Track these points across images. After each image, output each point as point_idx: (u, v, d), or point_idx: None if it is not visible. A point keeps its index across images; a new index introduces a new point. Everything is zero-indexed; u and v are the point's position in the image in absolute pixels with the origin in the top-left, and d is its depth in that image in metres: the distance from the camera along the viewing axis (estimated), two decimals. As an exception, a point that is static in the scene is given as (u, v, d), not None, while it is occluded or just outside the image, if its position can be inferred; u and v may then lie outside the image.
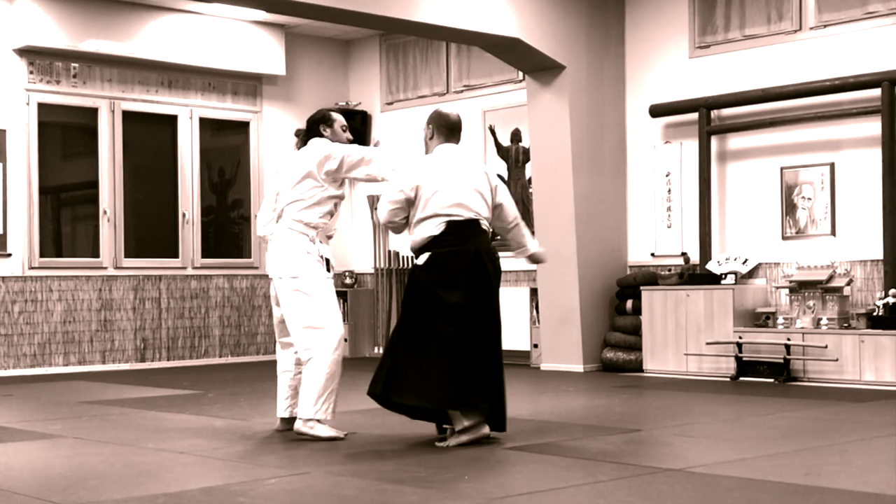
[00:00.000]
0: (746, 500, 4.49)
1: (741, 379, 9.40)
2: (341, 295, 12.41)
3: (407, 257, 12.52)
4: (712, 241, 10.20)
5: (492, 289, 6.03)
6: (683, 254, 10.32)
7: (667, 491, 4.66)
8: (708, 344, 9.63)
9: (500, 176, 11.76)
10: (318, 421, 6.10)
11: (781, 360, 9.18)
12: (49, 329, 11.19)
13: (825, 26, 9.63)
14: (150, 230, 12.07)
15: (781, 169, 9.87)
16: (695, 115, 10.29)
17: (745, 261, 9.85)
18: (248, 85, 12.67)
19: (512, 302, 11.11)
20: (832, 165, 9.57)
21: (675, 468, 5.17)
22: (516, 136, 11.69)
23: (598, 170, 10.71)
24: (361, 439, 6.18)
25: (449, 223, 5.94)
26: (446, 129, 6.16)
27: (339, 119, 6.55)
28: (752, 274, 9.96)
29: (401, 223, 6.06)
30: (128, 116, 11.79)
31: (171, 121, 12.14)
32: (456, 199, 5.94)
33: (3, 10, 10.99)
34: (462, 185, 5.99)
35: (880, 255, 9.20)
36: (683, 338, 9.89)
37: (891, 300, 8.82)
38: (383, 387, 5.90)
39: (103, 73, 11.62)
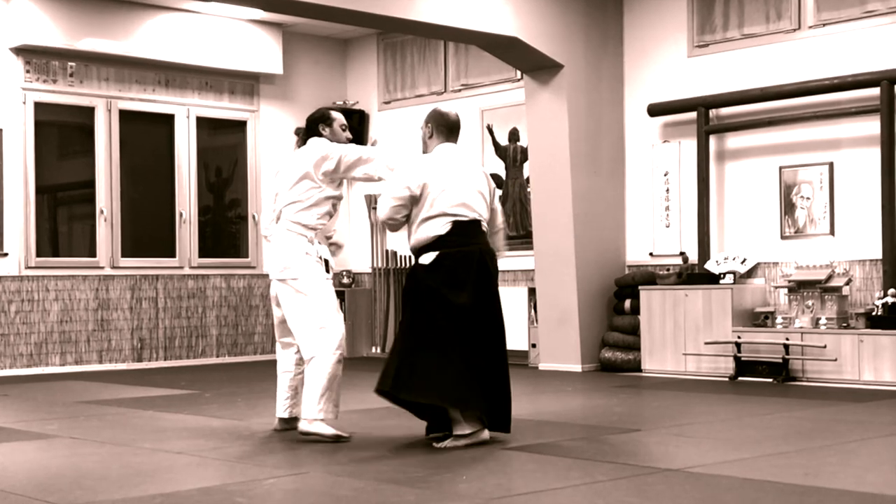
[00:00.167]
0: (745, 500, 4.48)
1: (740, 379, 9.39)
2: (339, 295, 12.38)
3: (406, 257, 12.50)
4: (711, 240, 10.19)
5: (496, 290, 6.06)
6: (682, 253, 10.31)
7: (665, 491, 4.65)
8: (706, 344, 9.61)
9: (496, 176, 11.80)
10: (322, 420, 6.07)
11: (780, 360, 9.17)
12: (46, 329, 11.17)
13: (824, 25, 9.62)
14: (147, 230, 12.05)
15: (780, 168, 9.86)
16: (693, 115, 10.28)
17: (744, 260, 9.84)
18: (246, 84, 12.65)
19: (510, 302, 11.08)
20: (831, 165, 9.56)
21: (673, 468, 5.16)
22: (514, 135, 11.68)
23: (597, 169, 10.69)
24: (360, 439, 6.17)
25: (455, 223, 5.93)
26: (446, 128, 6.13)
27: (339, 118, 6.52)
28: (750, 273, 9.95)
29: (401, 221, 6.02)
30: (124, 116, 11.77)
31: (167, 120, 12.12)
32: (461, 199, 5.94)
33: (-1, 8, 10.99)
34: (466, 186, 5.98)
35: (879, 255, 9.19)
36: (682, 337, 9.88)
37: (890, 300, 8.81)
38: (392, 384, 5.86)
39: (100, 72, 11.60)
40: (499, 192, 11.69)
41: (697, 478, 4.94)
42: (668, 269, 10.31)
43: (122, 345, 11.64)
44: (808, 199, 9.68)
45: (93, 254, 11.53)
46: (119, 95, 11.72)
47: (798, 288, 9.35)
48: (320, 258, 6.24)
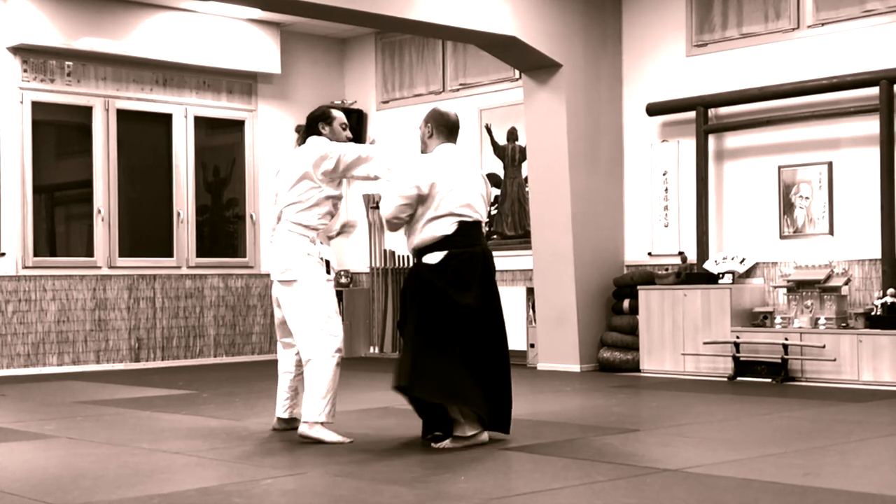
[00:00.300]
0: (744, 500, 4.47)
1: (739, 379, 9.38)
2: (337, 295, 12.35)
3: (404, 257, 12.49)
4: (710, 240, 10.18)
5: (497, 290, 6.10)
6: (681, 253, 10.30)
7: (664, 491, 4.65)
8: (705, 344, 9.60)
9: (494, 175, 11.79)
10: (322, 424, 6.05)
11: (779, 360, 9.16)
12: (43, 329, 11.15)
13: (823, 24, 9.60)
14: (145, 229, 12.03)
15: (779, 168, 9.85)
16: (692, 114, 10.26)
17: (743, 260, 9.83)
18: (243, 83, 12.64)
19: (508, 301, 11.02)
20: (830, 164, 9.54)
21: (672, 468, 5.15)
22: (513, 134, 11.66)
23: (595, 168, 10.68)
24: (358, 439, 6.15)
25: (461, 223, 5.94)
26: (446, 128, 6.12)
27: (339, 117, 6.47)
28: (749, 273, 9.94)
29: (405, 220, 5.99)
30: (122, 115, 11.75)
31: (165, 119, 12.10)
32: (466, 199, 5.95)
33: (-4, 7, 10.97)
34: (471, 187, 6.00)
35: (878, 255, 9.18)
36: (681, 337, 9.86)
37: (889, 300, 8.79)
38: (409, 380, 5.81)
39: (97, 72, 11.58)
40: (496, 192, 11.73)
41: (696, 478, 4.93)
42: (666, 269, 10.30)
43: (120, 345, 11.63)
44: (807, 198, 9.67)
45: (90, 254, 11.51)
46: (117, 95, 11.70)
47: (797, 288, 9.34)
48: (321, 259, 6.21)
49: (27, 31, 10.92)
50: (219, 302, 12.34)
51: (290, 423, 6.42)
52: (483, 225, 6.12)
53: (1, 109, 11.00)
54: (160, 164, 12.13)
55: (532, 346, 11.09)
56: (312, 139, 6.35)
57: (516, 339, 11.11)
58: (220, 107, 12.47)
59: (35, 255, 11.14)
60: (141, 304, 11.78)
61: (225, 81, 12.48)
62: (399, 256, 12.59)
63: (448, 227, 5.91)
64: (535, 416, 7.15)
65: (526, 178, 11.28)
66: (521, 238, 11.50)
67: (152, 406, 8.02)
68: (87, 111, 11.55)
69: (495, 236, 11.70)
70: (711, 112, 10.26)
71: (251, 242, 12.59)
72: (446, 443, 5.82)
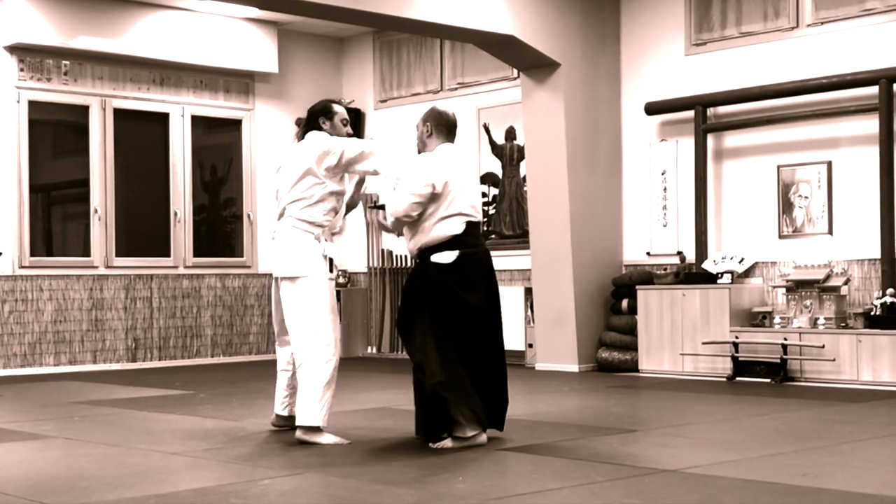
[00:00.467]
0: (743, 501, 4.46)
1: (738, 379, 9.36)
2: (336, 294, 12.34)
3: (402, 256, 12.46)
4: (708, 239, 10.16)
5: (498, 290, 6.15)
6: (679, 253, 10.28)
7: (662, 492, 4.63)
8: (704, 344, 9.58)
9: (492, 175, 11.77)
10: (319, 427, 6.03)
11: (778, 360, 9.14)
12: (40, 329, 11.12)
13: (822, 23, 9.59)
14: (142, 229, 12.01)
15: (778, 167, 9.83)
16: (691, 113, 10.25)
17: (742, 260, 9.81)
18: (241, 82, 12.61)
19: (507, 301, 11.00)
20: (829, 164, 9.53)
21: (670, 469, 5.14)
22: (511, 133, 11.64)
23: (594, 168, 10.67)
24: (355, 440, 6.13)
25: (468, 223, 5.99)
26: (445, 127, 6.13)
27: (341, 112, 6.42)
28: (748, 273, 9.92)
29: (413, 219, 5.98)
30: (119, 114, 11.72)
31: (162, 119, 12.08)
32: (472, 199, 6.02)
33: (-7, 6, 10.94)
34: (473, 187, 6.05)
35: (878, 255, 9.16)
36: (679, 337, 9.85)
37: (888, 299, 8.78)
38: (444, 375, 5.77)
39: (94, 71, 11.55)
40: (494, 192, 11.71)
41: (695, 478, 4.92)
42: (665, 269, 10.28)
43: (117, 345, 11.60)
44: (806, 198, 9.65)
45: (87, 253, 11.49)
46: (113, 94, 11.67)
47: (796, 288, 9.32)
48: (325, 256, 6.17)
49: (24, 30, 10.89)
50: (216, 302, 12.32)
51: (289, 421, 6.40)
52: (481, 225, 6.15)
53: (-3, 108, 11.00)
54: (157, 163, 12.10)
55: (530, 346, 11.07)
56: (313, 134, 6.30)
57: (515, 340, 11.12)
58: (218, 106, 12.45)
59: (32, 254, 11.11)
60: (138, 303, 11.76)
61: (222, 80, 12.46)
62: (397, 256, 12.56)
63: (458, 226, 5.94)
64: (534, 416, 7.13)
65: (524, 178, 11.26)
66: (519, 238, 11.49)
67: (149, 406, 8.00)
68: (83, 110, 11.52)
69: (493, 236, 11.68)
70: (710, 111, 10.24)
71: (248, 242, 12.57)
72: (445, 443, 5.81)
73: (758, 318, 9.61)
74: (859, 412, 7.25)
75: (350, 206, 6.58)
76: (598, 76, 10.73)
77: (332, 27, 12.74)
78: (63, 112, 11.48)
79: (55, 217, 11.74)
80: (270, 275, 6.48)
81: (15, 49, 11.06)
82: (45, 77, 11.25)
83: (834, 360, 8.86)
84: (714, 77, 10.23)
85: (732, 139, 10.19)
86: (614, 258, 10.83)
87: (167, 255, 12.02)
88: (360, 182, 6.58)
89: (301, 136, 6.39)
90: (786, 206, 9.77)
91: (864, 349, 8.75)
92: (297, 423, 6.07)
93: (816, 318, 9.13)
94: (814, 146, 9.64)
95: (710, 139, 10.27)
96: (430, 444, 5.84)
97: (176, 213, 12.06)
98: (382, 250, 12.73)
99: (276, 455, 5.74)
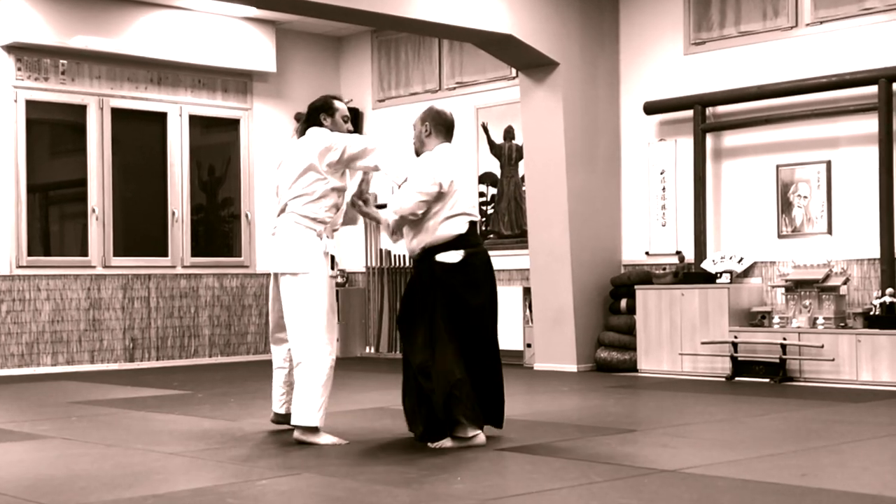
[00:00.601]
0: (742, 501, 4.45)
1: (737, 379, 9.35)
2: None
3: (401, 256, 12.45)
4: (707, 239, 10.15)
5: (496, 290, 6.16)
6: (678, 252, 10.27)
7: (661, 492, 4.62)
8: (703, 343, 9.57)
9: (490, 175, 11.76)
10: (317, 427, 6.01)
11: (777, 360, 9.12)
12: (37, 328, 11.10)
13: (821, 23, 9.57)
14: (140, 229, 11.99)
15: (777, 167, 9.82)
16: (690, 113, 10.23)
17: (741, 259, 9.80)
18: (239, 82, 12.60)
19: (505, 301, 11.01)
20: (828, 163, 9.51)
21: (669, 469, 5.13)
22: (509, 133, 11.63)
23: (592, 167, 10.65)
24: (353, 440, 6.12)
25: (471, 223, 6.02)
26: (444, 127, 6.13)
27: (342, 109, 6.39)
28: (747, 273, 9.91)
29: (418, 218, 5.97)
30: (117, 114, 11.71)
31: (160, 118, 12.06)
32: (472, 199, 6.06)
33: (-10, 6, 10.92)
34: (473, 187, 6.05)
35: (877, 254, 9.15)
36: (678, 337, 9.83)
37: (887, 299, 8.77)
38: (462, 371, 5.80)
39: (92, 70, 11.53)
40: (493, 191, 11.69)
41: (694, 479, 4.90)
42: (664, 269, 10.27)
43: (114, 345, 11.58)
44: (805, 197, 9.64)
45: (84, 253, 11.47)
46: (111, 93, 11.66)
47: (795, 287, 9.31)
48: (326, 254, 6.15)
49: (21, 30, 10.87)
50: (214, 302, 12.30)
51: (288, 418, 6.36)
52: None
53: (-5, 108, 10.98)
54: (155, 163, 12.09)
55: (529, 346, 11.05)
56: (314, 130, 6.26)
57: (513, 340, 11.11)
58: (216, 105, 12.43)
59: (29, 254, 11.09)
60: (135, 303, 11.74)
61: (220, 80, 12.44)
62: (395, 256, 12.54)
63: (462, 225, 5.96)
64: (532, 416, 7.12)
65: (522, 177, 11.25)
66: (517, 237, 11.47)
67: (147, 406, 7.99)
68: (81, 110, 11.50)
69: (492, 235, 11.67)
70: (709, 111, 10.23)
71: (246, 242, 12.55)
72: (444, 442, 5.80)
73: (757, 318, 9.60)
74: (858, 412, 7.24)
75: (348, 222, 6.54)
76: (597, 75, 10.71)
77: (331, 26, 12.72)
78: (60, 111, 11.47)
79: (53, 217, 11.72)
80: (269, 273, 6.44)
81: (12, 48, 11.04)
82: (43, 76, 11.23)
83: (833, 359, 8.85)
84: (713, 76, 10.22)
85: (731, 139, 10.18)
86: (613, 258, 10.82)
87: (165, 254, 12.00)
88: (363, 180, 6.55)
89: (301, 132, 6.34)
90: (785, 206, 9.76)
91: (864, 349, 8.73)
92: (294, 422, 6.05)
93: (815, 318, 9.12)
94: (813, 146, 9.63)
95: (709, 139, 10.26)
96: (429, 444, 5.83)
97: (174, 213, 12.04)
98: (381, 250, 12.71)
99: (273, 455, 5.72)
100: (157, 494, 4.67)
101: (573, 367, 10.42)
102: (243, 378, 10.17)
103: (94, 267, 11.49)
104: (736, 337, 9.40)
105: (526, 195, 10.90)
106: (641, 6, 10.74)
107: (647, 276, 10.25)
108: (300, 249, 6.09)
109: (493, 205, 11.71)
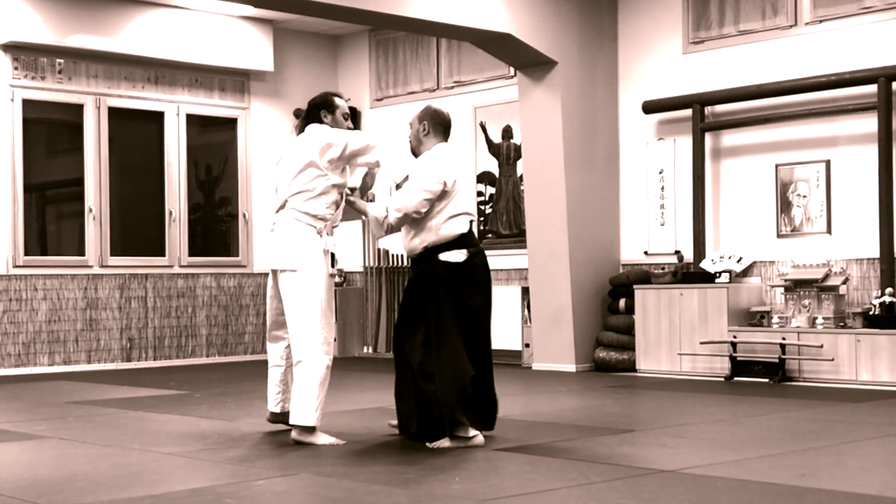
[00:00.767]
0: (741, 501, 4.44)
1: (736, 379, 9.33)
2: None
3: (399, 256, 12.43)
4: (706, 239, 10.13)
5: (491, 291, 6.16)
6: (677, 252, 10.26)
7: (660, 492, 4.61)
8: (702, 343, 9.55)
9: (489, 174, 11.74)
10: (314, 427, 5.99)
11: (776, 360, 9.11)
12: (34, 328, 11.08)
13: (821, 21, 9.56)
14: (137, 228, 11.97)
15: (776, 166, 9.80)
16: (688, 112, 10.22)
17: (740, 259, 9.78)
18: (236, 81, 12.58)
19: (503, 301, 11.02)
20: (828, 163, 9.50)
21: (668, 469, 5.12)
22: (507, 132, 11.61)
23: (591, 167, 10.64)
24: (351, 440, 6.11)
25: (470, 222, 6.05)
26: (442, 126, 6.13)
27: (342, 106, 6.35)
28: (746, 272, 9.89)
29: (420, 216, 5.95)
30: (114, 113, 11.69)
31: (157, 117, 12.04)
32: (471, 199, 6.00)
33: (-13, 4, 10.90)
34: (470, 186, 6.04)
35: (876, 254, 9.13)
36: (677, 337, 9.81)
37: (887, 299, 8.75)
38: (473, 369, 5.82)
39: (89, 69, 11.51)
40: (491, 190, 11.67)
41: (693, 479, 4.90)
42: (663, 268, 10.25)
43: (111, 344, 11.56)
44: (804, 197, 9.62)
45: (81, 253, 11.45)
46: (108, 93, 11.63)
47: (794, 287, 9.30)
48: (326, 251, 6.12)
49: (18, 29, 10.85)
50: (211, 301, 12.28)
51: (284, 417, 6.34)
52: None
53: (-8, 107, 10.96)
54: (152, 162, 12.07)
55: (527, 345, 11.03)
56: (314, 126, 6.22)
57: (511, 339, 11.09)
58: (213, 104, 12.41)
59: (26, 254, 11.07)
60: (133, 303, 11.72)
61: (217, 79, 12.42)
62: (393, 256, 12.52)
63: (464, 225, 5.99)
64: (530, 416, 7.11)
65: (521, 177, 11.23)
66: (516, 237, 11.45)
67: (144, 406, 7.97)
68: (78, 109, 11.48)
69: (490, 235, 11.64)
70: (708, 110, 10.21)
71: (244, 241, 12.53)
72: (442, 442, 5.78)
73: (756, 318, 9.59)
74: (858, 412, 7.23)
75: (348, 219, 6.53)
76: (596, 74, 10.70)
77: (328, 25, 12.70)
78: (57, 111, 11.45)
79: (49, 216, 11.70)
80: (266, 273, 6.41)
81: (9, 47, 11.01)
82: (40, 75, 11.21)
83: (832, 359, 8.83)
84: (712, 75, 10.20)
85: (730, 138, 10.16)
86: (612, 257, 10.80)
87: (162, 254, 11.98)
88: (367, 174, 6.53)
89: (300, 129, 6.31)
90: (784, 206, 9.75)
91: (863, 349, 8.72)
92: (292, 422, 6.03)
93: (815, 318, 9.11)
94: (812, 145, 9.61)
95: (708, 138, 10.24)
96: (427, 444, 5.81)
97: (171, 213, 12.02)
98: (379, 250, 12.69)
99: (271, 455, 5.71)
100: (153, 495, 4.66)
101: (572, 367, 10.40)
102: (241, 378, 10.15)
103: (90, 266, 11.46)
104: (735, 337, 9.38)
105: (524, 194, 10.89)
106: (640, 5, 10.72)
107: (645, 276, 10.23)
108: (299, 246, 6.06)
109: (491, 204, 11.69)
